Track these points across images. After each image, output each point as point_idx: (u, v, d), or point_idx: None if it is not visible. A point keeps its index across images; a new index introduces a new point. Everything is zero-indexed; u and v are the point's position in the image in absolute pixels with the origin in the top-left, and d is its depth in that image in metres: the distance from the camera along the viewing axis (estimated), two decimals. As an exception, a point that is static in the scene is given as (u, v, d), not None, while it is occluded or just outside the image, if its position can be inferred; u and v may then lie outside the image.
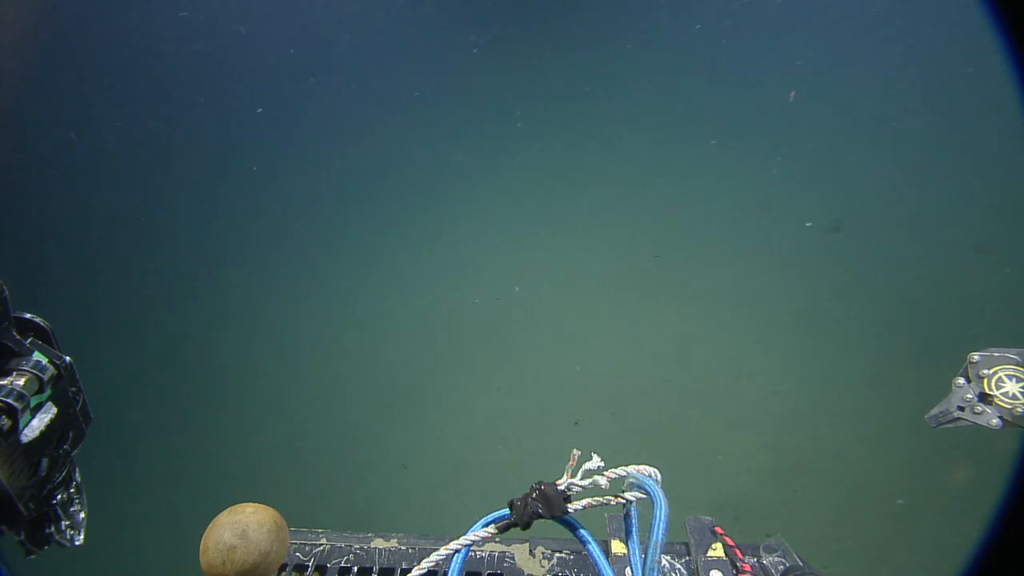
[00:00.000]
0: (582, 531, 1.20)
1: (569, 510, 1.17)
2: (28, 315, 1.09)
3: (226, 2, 6.29)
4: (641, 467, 1.19)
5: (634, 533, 1.21)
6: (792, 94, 5.13)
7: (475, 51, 6.05)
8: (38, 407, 1.08)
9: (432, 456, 4.24)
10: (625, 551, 1.64)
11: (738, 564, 1.62)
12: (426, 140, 5.80)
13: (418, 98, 6.01)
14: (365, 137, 5.84)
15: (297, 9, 6.36)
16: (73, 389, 1.14)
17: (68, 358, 1.11)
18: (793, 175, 5.06)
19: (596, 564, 1.14)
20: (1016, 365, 1.34)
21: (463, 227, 5.37)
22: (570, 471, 1.17)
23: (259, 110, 5.72)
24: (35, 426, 1.07)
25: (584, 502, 1.18)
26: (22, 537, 1.14)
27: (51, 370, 1.07)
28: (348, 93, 6.08)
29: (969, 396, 1.36)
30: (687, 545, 1.70)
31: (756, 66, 5.66)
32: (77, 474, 1.21)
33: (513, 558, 1.73)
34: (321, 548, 1.77)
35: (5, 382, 1.00)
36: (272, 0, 6.37)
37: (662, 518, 1.08)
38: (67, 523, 1.19)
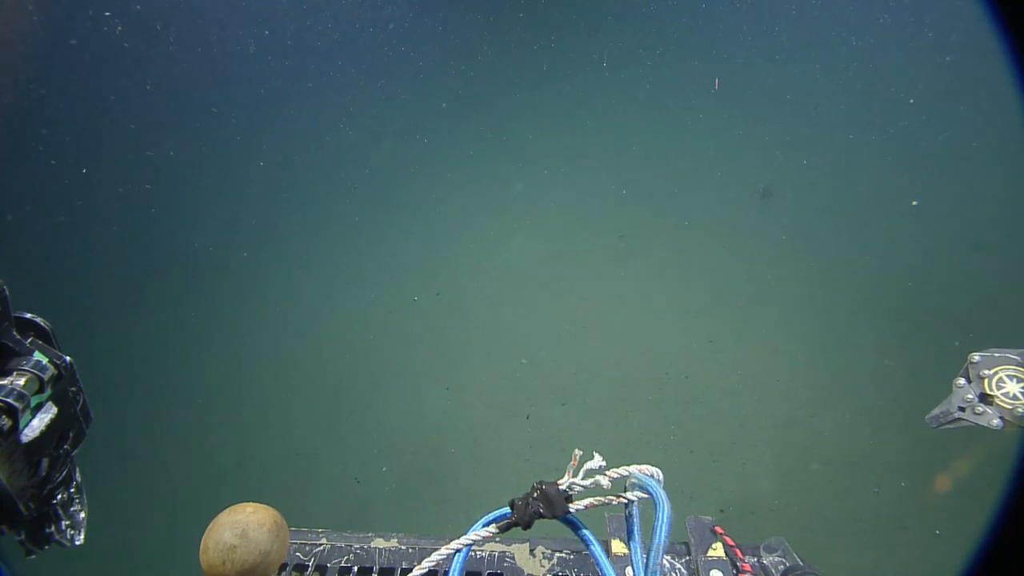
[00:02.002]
0: (585, 531, 1.19)
1: (571, 510, 1.17)
2: (28, 315, 1.09)
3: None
4: (643, 467, 1.19)
5: (636, 533, 1.20)
6: (716, 82, 5.21)
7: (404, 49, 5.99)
8: (38, 407, 1.07)
9: (384, 464, 4.07)
10: (625, 551, 1.64)
11: (738, 564, 1.62)
12: (354, 138, 5.71)
13: (340, 100, 5.90)
14: (293, 141, 5.72)
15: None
16: (73, 389, 1.13)
17: (68, 358, 1.10)
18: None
19: (598, 565, 1.13)
20: (1017, 365, 1.33)
21: (394, 225, 5.20)
22: (571, 471, 1.17)
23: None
24: (35, 426, 1.06)
25: (586, 502, 1.18)
26: (22, 537, 1.14)
27: (51, 370, 1.06)
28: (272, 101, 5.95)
29: (970, 396, 1.35)
30: (687, 545, 1.70)
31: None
32: (77, 474, 1.21)
33: (513, 558, 1.73)
34: (321, 548, 1.77)
35: (5, 382, 1.00)
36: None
37: (665, 520, 1.07)
38: (67, 523, 1.19)
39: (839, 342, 4.26)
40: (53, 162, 5.46)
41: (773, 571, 1.62)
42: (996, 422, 1.32)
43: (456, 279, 4.86)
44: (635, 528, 1.21)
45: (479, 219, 5.15)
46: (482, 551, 1.73)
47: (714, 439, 3.94)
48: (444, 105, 5.76)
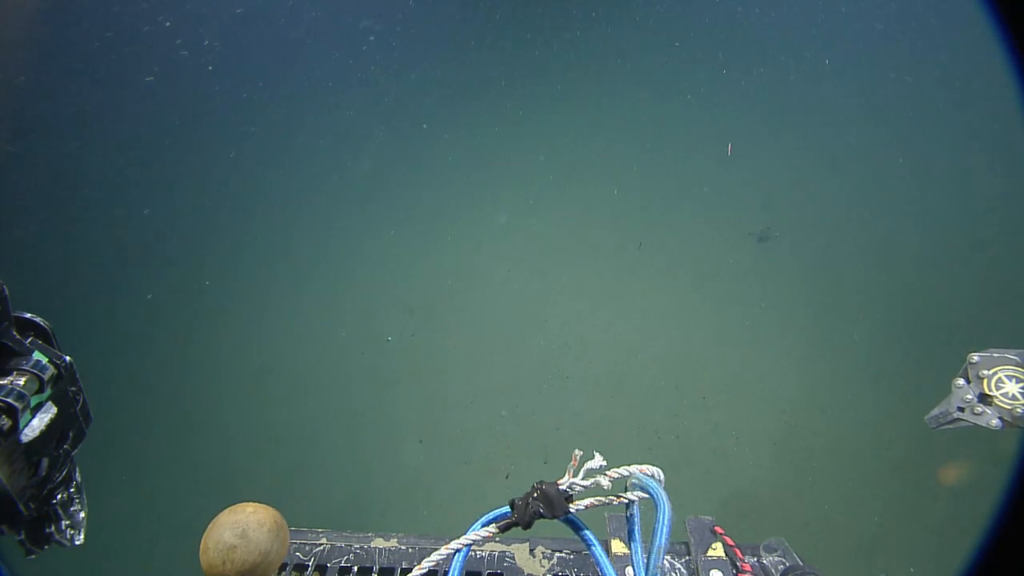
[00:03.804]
0: (586, 532, 1.19)
1: (571, 510, 1.17)
2: (28, 315, 1.09)
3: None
4: (644, 467, 1.19)
5: (636, 534, 1.21)
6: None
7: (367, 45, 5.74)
8: (38, 407, 1.07)
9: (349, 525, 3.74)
10: (625, 551, 1.64)
11: (738, 564, 1.62)
12: (328, 162, 5.39)
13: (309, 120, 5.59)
14: (261, 163, 5.43)
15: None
16: (73, 389, 1.13)
17: (68, 358, 1.10)
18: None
19: (599, 565, 1.13)
20: (1016, 366, 1.34)
21: (368, 258, 4.79)
22: (572, 471, 1.17)
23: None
24: (35, 426, 1.06)
25: (586, 502, 1.18)
26: (22, 537, 1.14)
27: (51, 370, 1.06)
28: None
29: (969, 397, 1.36)
30: (687, 545, 1.70)
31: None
32: (77, 474, 1.21)
33: (513, 558, 1.73)
34: (321, 548, 1.77)
35: (5, 382, 1.00)
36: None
37: (666, 521, 1.07)
38: (67, 523, 1.19)
39: (840, 403, 3.99)
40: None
41: (773, 571, 1.62)
42: (995, 422, 1.33)
43: (433, 318, 4.51)
44: (636, 528, 1.21)
45: (460, 253, 4.83)
46: (482, 551, 1.73)
47: (706, 509, 3.70)
48: (425, 126, 5.52)
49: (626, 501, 1.21)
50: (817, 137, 5.17)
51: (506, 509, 1.20)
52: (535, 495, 1.17)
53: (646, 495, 1.16)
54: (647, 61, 5.71)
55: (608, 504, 1.19)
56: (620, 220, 4.88)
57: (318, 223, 5.09)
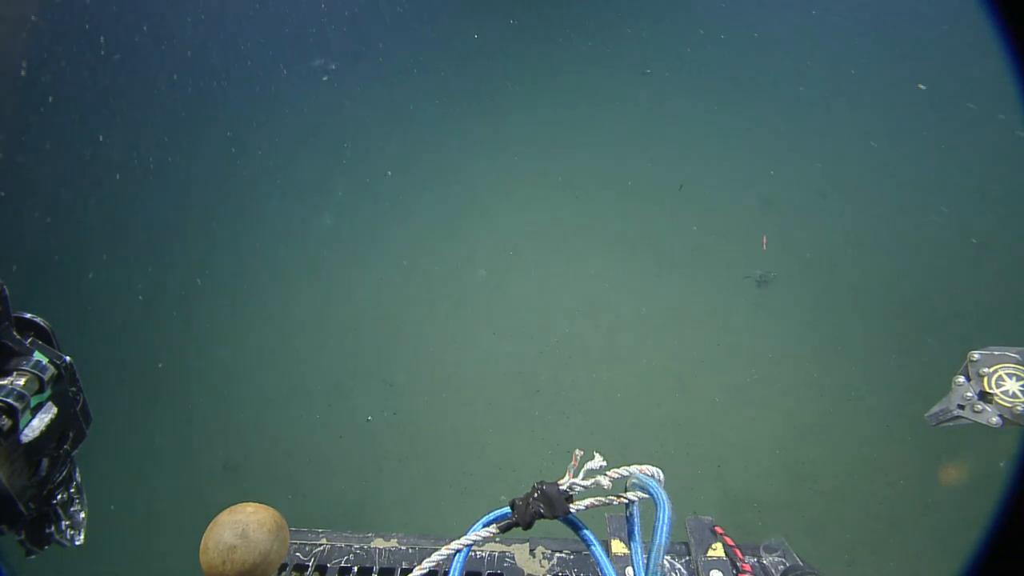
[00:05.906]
0: (586, 532, 1.19)
1: (571, 510, 1.17)
2: (28, 315, 1.09)
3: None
4: (644, 467, 1.19)
5: (636, 534, 1.21)
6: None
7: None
8: (38, 407, 1.07)
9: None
10: (625, 551, 1.64)
11: (738, 564, 1.62)
12: (280, 219, 4.96)
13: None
14: (213, 225, 5.03)
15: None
16: (73, 389, 1.13)
17: (68, 358, 1.10)
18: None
19: (599, 565, 1.13)
20: (1016, 363, 1.34)
21: (341, 326, 4.32)
22: (572, 471, 1.17)
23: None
24: (35, 426, 1.06)
25: (587, 502, 1.18)
26: (22, 537, 1.14)
27: (51, 370, 1.06)
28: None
29: (969, 394, 1.36)
30: (687, 545, 1.70)
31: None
32: (77, 474, 1.21)
33: (513, 558, 1.73)
34: (321, 548, 1.77)
35: (5, 382, 1.00)
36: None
37: (666, 521, 1.07)
38: (67, 523, 1.19)
39: (868, 463, 3.61)
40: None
41: (773, 571, 1.62)
42: (995, 420, 1.33)
43: (415, 392, 4.06)
44: (636, 528, 1.21)
45: (437, 315, 4.37)
46: (482, 551, 1.73)
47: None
48: (389, 173, 5.02)
49: (626, 501, 1.21)
50: (810, 167, 4.95)
51: (506, 509, 1.20)
52: (535, 495, 1.17)
53: (646, 495, 1.16)
54: (625, 100, 5.37)
55: (608, 504, 1.20)
56: (608, 269, 4.49)
57: (278, 289, 4.59)
